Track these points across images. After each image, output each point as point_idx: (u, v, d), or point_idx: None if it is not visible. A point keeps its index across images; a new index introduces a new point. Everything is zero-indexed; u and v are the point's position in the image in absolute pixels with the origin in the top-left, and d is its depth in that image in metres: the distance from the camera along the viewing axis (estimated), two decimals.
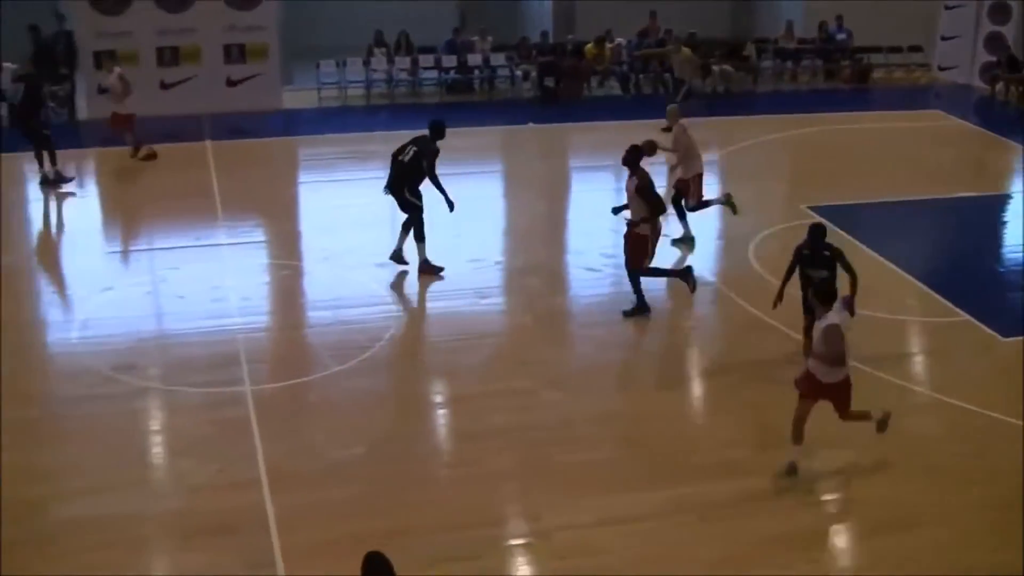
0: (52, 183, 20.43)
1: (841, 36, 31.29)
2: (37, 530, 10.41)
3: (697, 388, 13.68)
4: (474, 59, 28.93)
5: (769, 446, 11.53)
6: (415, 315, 15.25)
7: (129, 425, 12.38)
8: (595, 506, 10.68)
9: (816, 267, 12.92)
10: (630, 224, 14.83)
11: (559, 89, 27.80)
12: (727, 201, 17.85)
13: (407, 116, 23.91)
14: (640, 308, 14.96)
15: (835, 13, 31.02)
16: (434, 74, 28.90)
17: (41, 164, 20.55)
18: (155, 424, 12.62)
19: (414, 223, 16.11)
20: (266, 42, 26.18)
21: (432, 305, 15.56)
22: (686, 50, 26.13)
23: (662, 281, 15.68)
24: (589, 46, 28.62)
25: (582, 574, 9.79)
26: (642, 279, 14.97)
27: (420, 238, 16.14)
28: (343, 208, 19.29)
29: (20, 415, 12.40)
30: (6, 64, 22.80)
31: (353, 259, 16.80)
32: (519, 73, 28.78)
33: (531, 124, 25.08)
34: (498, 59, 29.04)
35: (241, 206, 19.43)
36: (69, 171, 20.83)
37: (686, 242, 17.68)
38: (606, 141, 22.75)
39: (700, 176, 17.57)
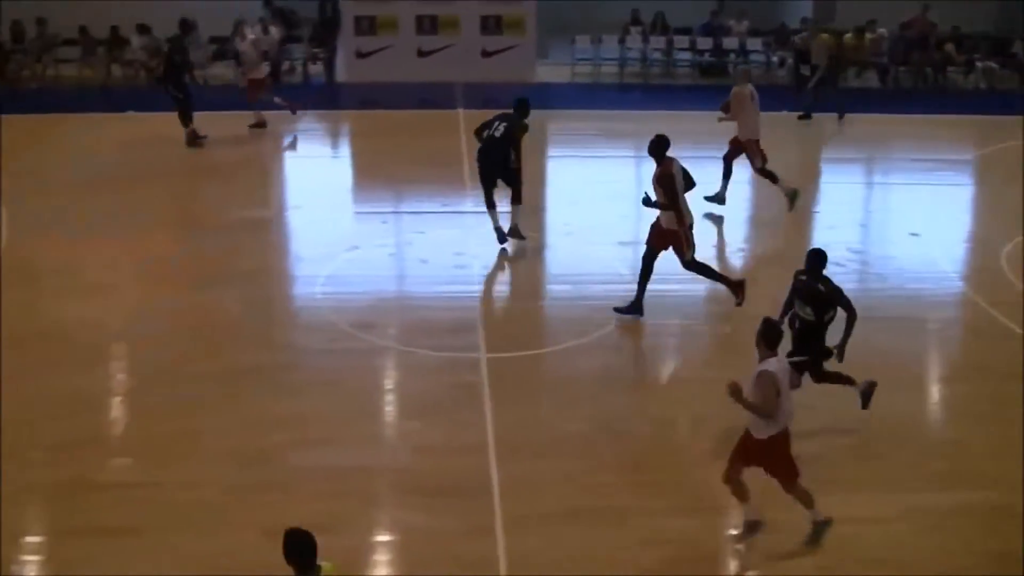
0: (190, 143, 20.88)
1: None
2: (270, 477, 10.75)
3: (940, 393, 13.11)
4: (729, 42, 28.50)
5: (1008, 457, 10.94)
6: (654, 296, 15.07)
7: (365, 381, 12.68)
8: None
9: (803, 301, 11.21)
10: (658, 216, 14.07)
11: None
12: (793, 195, 17.89)
13: (659, 96, 23.75)
14: (634, 307, 14.07)
15: None
16: (688, 56, 28.62)
17: (185, 124, 20.98)
18: (389, 383, 12.87)
19: (515, 189, 16.19)
20: (523, 15, 26.35)
21: (671, 287, 15.36)
22: (824, 36, 25.21)
23: (900, 282, 15.11)
24: (848, 35, 27.80)
25: (800, 575, 9.53)
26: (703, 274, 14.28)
27: (517, 200, 16.27)
28: (589, 184, 19.28)
29: (264, 362, 12.88)
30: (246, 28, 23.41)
31: (596, 236, 16.76)
32: (775, 59, 28.22)
33: (784, 112, 24.52)
34: (754, 44, 28.53)
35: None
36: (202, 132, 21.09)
37: (718, 200, 17.85)
38: (860, 133, 22.11)
39: (758, 141, 17.78)
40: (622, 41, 27.79)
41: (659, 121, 20.29)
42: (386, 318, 14.02)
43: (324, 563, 7.20)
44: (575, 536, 9.73)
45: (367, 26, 24.90)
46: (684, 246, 13.82)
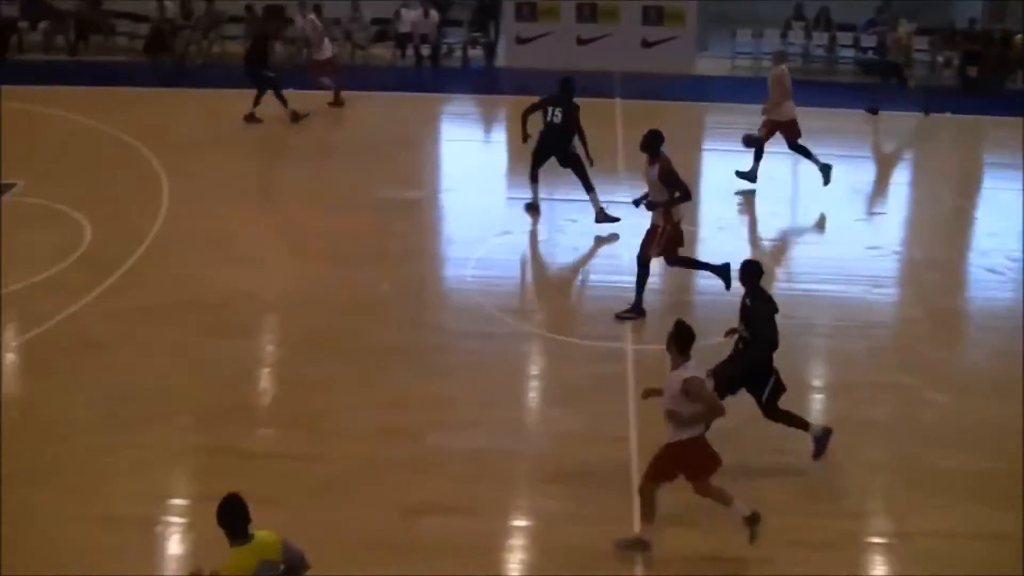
0: (251, 120, 20.92)
1: None
2: (410, 456, 10.87)
3: None
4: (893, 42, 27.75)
5: None
6: (807, 297, 14.80)
7: (509, 366, 12.74)
8: (966, 516, 10.07)
9: (740, 316, 10.64)
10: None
11: (981, 79, 26.33)
12: (827, 170, 17.78)
13: (820, 92, 23.25)
14: (635, 309, 13.70)
15: None
16: (851, 52, 28.02)
17: (257, 103, 21.03)
18: (534, 368, 12.90)
19: (581, 175, 16.26)
20: (685, 7, 26.09)
21: (824, 288, 15.08)
22: (903, 29, 24.37)
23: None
24: (1019, 37, 26.91)
25: None
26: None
27: (589, 188, 16.33)
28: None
29: (412, 341, 13.07)
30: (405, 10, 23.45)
31: (750, 231, 16.53)
32: (940, 59, 27.46)
33: (948, 113, 23.82)
34: (919, 43, 27.79)
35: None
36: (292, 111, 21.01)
37: (749, 178, 18.10)
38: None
39: (795, 121, 17.95)
40: (784, 36, 27.31)
41: (819, 118, 20.03)
42: (534, 304, 14.06)
43: (262, 532, 7.15)
44: (710, 533, 9.61)
45: (528, 13, 24.93)
46: (654, 242, 13.62)
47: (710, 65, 26.96)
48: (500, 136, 21.60)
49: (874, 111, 22.84)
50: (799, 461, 10.76)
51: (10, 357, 13.04)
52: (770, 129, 18.12)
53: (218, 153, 19.43)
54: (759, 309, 10.45)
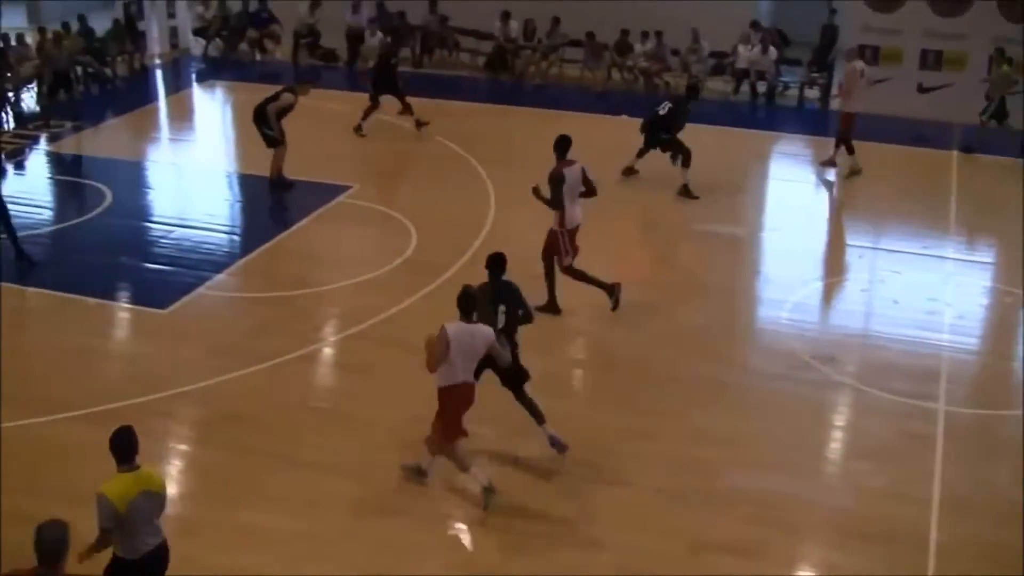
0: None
1: None
2: (703, 490, 10.99)
3: None
4: None
5: None
6: None
7: (814, 413, 12.60)
8: None
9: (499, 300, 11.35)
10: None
11: None
12: (857, 172, 20.46)
13: None
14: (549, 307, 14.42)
15: None
16: None
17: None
18: (839, 419, 12.70)
19: (682, 152, 19.06)
20: None
21: None
22: (1005, 67, 22.58)
23: None
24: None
25: None
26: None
27: (686, 163, 19.05)
28: None
29: (718, 376, 13.21)
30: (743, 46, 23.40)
31: None
32: None
33: None
34: None
35: (976, 223, 18.75)
36: None
37: (855, 172, 20.47)
38: None
39: (855, 115, 20.37)
40: None
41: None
42: (847, 354, 13.80)
43: (148, 468, 8.01)
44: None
45: (870, 56, 24.34)
46: (559, 248, 14.22)
47: None
48: (831, 178, 21.26)
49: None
50: None
51: (328, 351, 13.83)
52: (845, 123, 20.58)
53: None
54: (504, 290, 11.34)
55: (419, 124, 21.65)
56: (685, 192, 19.06)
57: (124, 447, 7.84)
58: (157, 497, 7.97)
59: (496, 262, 11.39)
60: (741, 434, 11.98)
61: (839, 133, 20.64)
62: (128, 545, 7.88)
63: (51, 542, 6.95)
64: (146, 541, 7.92)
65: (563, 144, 14.25)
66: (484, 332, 10.36)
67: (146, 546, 7.93)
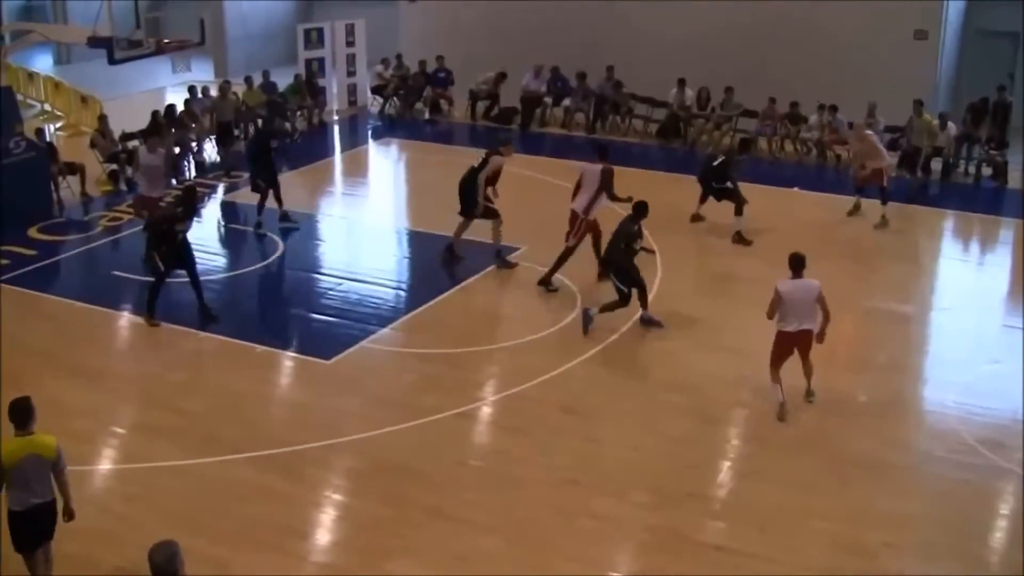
0: None
1: None
2: (860, 573, 10.76)
3: None
4: None
5: None
6: None
7: (979, 499, 12.32)
8: None
9: None
10: None
11: None
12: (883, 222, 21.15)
13: None
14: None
15: None
16: None
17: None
18: (1004, 507, 12.31)
19: (737, 201, 20.24)
20: None
21: None
22: (926, 116, 24.32)
23: None
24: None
25: None
26: None
27: (739, 211, 20.28)
28: None
29: (880, 455, 13.01)
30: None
31: None
32: None
33: None
34: None
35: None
36: None
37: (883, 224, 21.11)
38: None
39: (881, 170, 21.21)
40: None
41: None
42: (1016, 440, 13.40)
43: (46, 435, 9.31)
44: None
45: None
46: (575, 231, 17.64)
47: None
48: (1003, 259, 20.74)
49: None
50: None
51: (486, 410, 13.98)
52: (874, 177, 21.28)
53: (714, 239, 20.03)
54: None
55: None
56: (739, 239, 20.08)
57: (21, 414, 9.25)
58: (46, 461, 9.26)
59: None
60: (901, 516, 11.77)
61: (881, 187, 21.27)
62: (14, 497, 9.29)
63: (164, 563, 7.58)
64: (32, 498, 9.27)
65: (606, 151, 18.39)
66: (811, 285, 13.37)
67: (31, 503, 9.28)
